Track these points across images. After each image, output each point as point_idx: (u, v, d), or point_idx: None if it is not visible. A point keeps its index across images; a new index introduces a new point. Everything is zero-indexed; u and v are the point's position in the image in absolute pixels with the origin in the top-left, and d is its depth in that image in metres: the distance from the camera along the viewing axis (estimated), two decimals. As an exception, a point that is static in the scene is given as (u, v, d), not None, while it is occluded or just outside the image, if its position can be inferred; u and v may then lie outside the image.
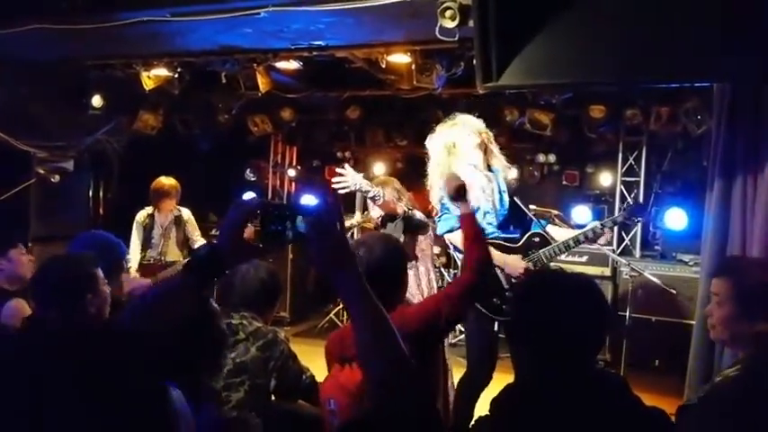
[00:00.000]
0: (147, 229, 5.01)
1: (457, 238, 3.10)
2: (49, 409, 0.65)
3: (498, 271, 3.14)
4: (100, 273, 1.92)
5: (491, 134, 3.28)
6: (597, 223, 3.15)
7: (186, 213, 5.13)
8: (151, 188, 4.99)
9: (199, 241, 5.09)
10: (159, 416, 0.70)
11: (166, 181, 4.99)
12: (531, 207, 4.11)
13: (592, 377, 1.36)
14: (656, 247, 6.06)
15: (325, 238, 1.00)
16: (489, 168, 3.26)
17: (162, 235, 5.02)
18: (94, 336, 0.73)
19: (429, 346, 2.02)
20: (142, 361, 0.71)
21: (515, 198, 3.28)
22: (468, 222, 2.23)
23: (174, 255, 5.02)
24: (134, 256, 4.91)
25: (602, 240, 3.22)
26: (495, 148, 3.30)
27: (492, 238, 3.14)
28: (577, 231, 3.20)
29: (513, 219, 3.28)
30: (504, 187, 3.27)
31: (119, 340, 0.72)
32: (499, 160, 3.31)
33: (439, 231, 3.23)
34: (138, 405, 0.68)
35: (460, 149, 3.16)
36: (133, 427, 0.67)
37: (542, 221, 3.31)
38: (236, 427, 2.15)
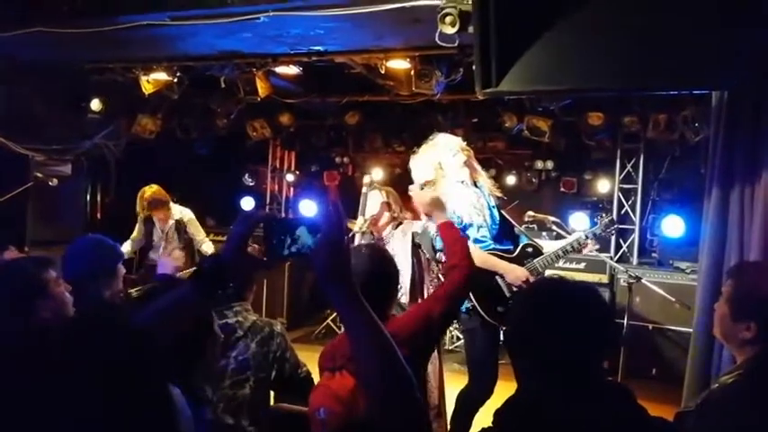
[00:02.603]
0: (148, 229, 5.01)
1: None
2: (46, 407, 0.65)
3: (499, 279, 3.14)
4: (51, 274, 1.87)
5: (471, 150, 3.32)
6: (582, 234, 3.36)
7: (187, 216, 5.13)
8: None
9: (204, 242, 5.09)
10: (160, 411, 0.71)
11: (148, 192, 4.95)
12: (529, 213, 4.14)
13: (597, 387, 1.34)
14: (653, 255, 6.06)
15: (333, 252, 0.99)
16: (475, 184, 3.29)
17: (162, 238, 5.02)
18: (88, 333, 0.73)
19: (423, 350, 2.02)
20: (144, 359, 0.71)
21: (503, 212, 3.35)
22: (448, 226, 2.28)
23: (178, 259, 5.00)
24: (126, 247, 4.83)
25: (586, 250, 3.38)
26: (476, 164, 3.34)
27: (489, 250, 3.16)
28: (563, 242, 3.34)
29: (504, 231, 3.32)
30: (492, 202, 3.31)
31: (118, 339, 0.72)
32: (483, 177, 3.36)
33: (438, 247, 3.24)
34: (139, 401, 0.68)
35: (447, 169, 3.19)
36: (135, 422, 0.67)
37: (526, 234, 3.43)
38: None
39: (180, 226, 5.06)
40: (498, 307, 3.09)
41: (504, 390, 1.43)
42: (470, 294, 3.14)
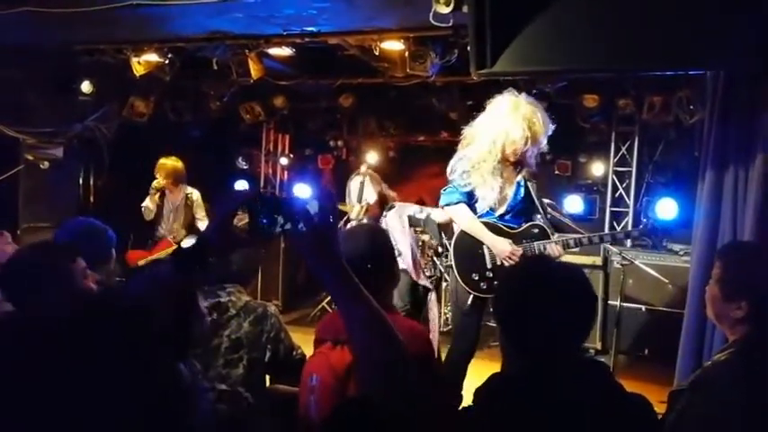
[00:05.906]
0: (159, 203, 5.06)
1: (454, 212, 3.18)
2: (53, 394, 0.64)
3: (486, 249, 3.14)
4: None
5: (536, 122, 3.19)
6: (607, 232, 3.22)
7: (196, 194, 5.19)
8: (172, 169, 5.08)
9: (203, 221, 5.12)
10: (170, 385, 0.71)
11: (173, 162, 5.07)
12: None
13: (575, 365, 1.37)
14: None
15: (324, 234, 0.98)
16: (515, 165, 3.22)
17: (172, 211, 5.09)
18: (92, 318, 0.72)
19: None
20: (149, 338, 0.71)
21: (533, 194, 3.26)
22: None
23: (182, 234, 5.09)
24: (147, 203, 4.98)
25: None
26: (541, 136, 3.24)
27: (488, 219, 3.17)
28: (583, 234, 3.27)
29: (521, 209, 3.26)
30: (521, 180, 3.25)
31: (122, 321, 0.72)
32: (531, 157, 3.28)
33: (441, 202, 3.25)
34: (149, 383, 0.69)
35: (507, 146, 3.13)
36: (147, 397, 0.68)
37: (547, 219, 3.31)
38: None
39: (188, 202, 5.11)
40: (474, 274, 3.11)
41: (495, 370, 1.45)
42: (452, 254, 3.19)
